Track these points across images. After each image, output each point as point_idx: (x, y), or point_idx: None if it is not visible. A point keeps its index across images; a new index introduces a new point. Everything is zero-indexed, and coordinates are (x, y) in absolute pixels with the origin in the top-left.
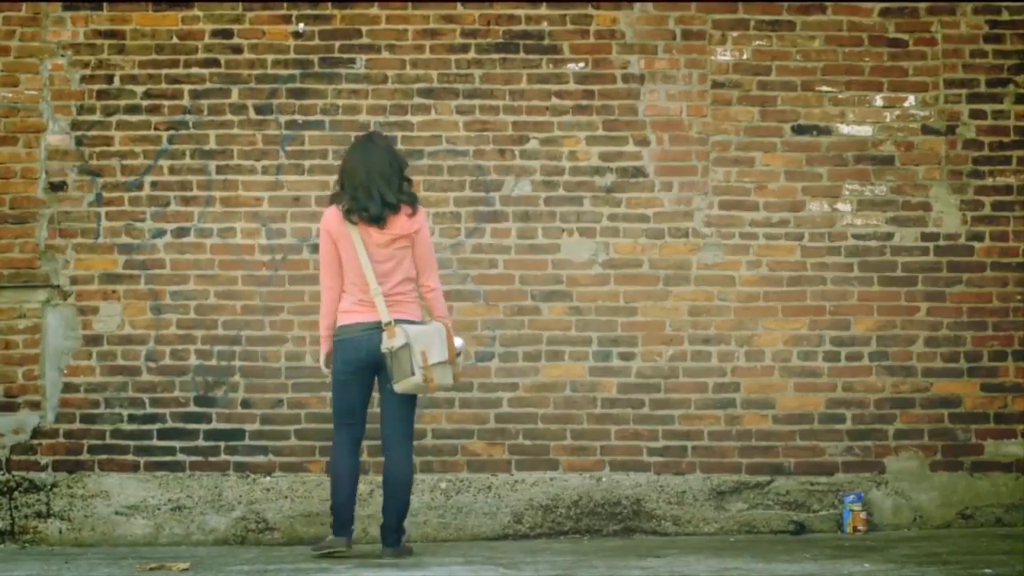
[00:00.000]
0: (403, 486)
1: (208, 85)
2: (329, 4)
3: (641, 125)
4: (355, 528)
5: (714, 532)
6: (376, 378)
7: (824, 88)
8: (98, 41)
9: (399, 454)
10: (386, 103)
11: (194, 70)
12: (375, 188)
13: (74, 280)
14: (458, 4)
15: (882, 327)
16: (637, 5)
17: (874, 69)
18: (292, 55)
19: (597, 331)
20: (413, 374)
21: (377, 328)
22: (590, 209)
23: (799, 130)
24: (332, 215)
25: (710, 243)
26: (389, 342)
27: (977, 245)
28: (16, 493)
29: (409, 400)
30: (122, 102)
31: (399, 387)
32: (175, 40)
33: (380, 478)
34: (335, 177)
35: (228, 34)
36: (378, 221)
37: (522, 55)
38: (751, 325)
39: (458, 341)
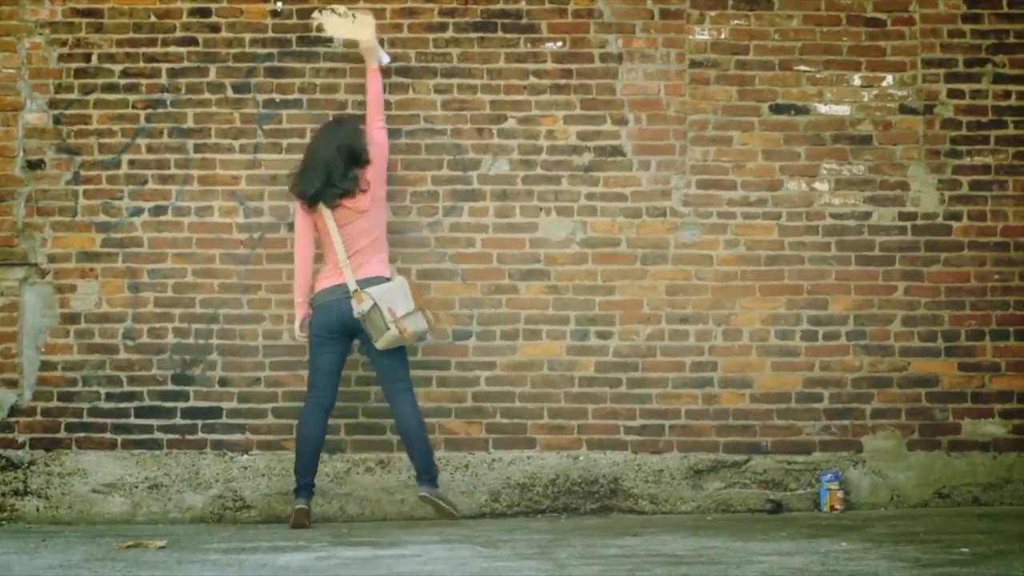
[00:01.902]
0: (416, 432)
1: (186, 64)
2: None
3: (619, 104)
4: (333, 507)
5: (691, 511)
6: (357, 343)
7: (802, 67)
8: (76, 19)
9: (402, 404)
10: (364, 82)
11: (172, 48)
12: (324, 174)
13: (52, 258)
14: None
15: (860, 306)
16: None
17: (852, 48)
18: (270, 34)
19: (575, 310)
20: (388, 328)
21: (346, 293)
22: (568, 188)
23: (777, 109)
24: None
25: (688, 222)
26: (359, 307)
27: (955, 224)
28: None
29: (396, 354)
30: (100, 80)
31: (380, 343)
32: (153, 19)
33: (358, 456)
34: None
35: (206, 12)
36: (313, 202)
37: (500, 34)
38: (728, 304)
39: (384, 57)
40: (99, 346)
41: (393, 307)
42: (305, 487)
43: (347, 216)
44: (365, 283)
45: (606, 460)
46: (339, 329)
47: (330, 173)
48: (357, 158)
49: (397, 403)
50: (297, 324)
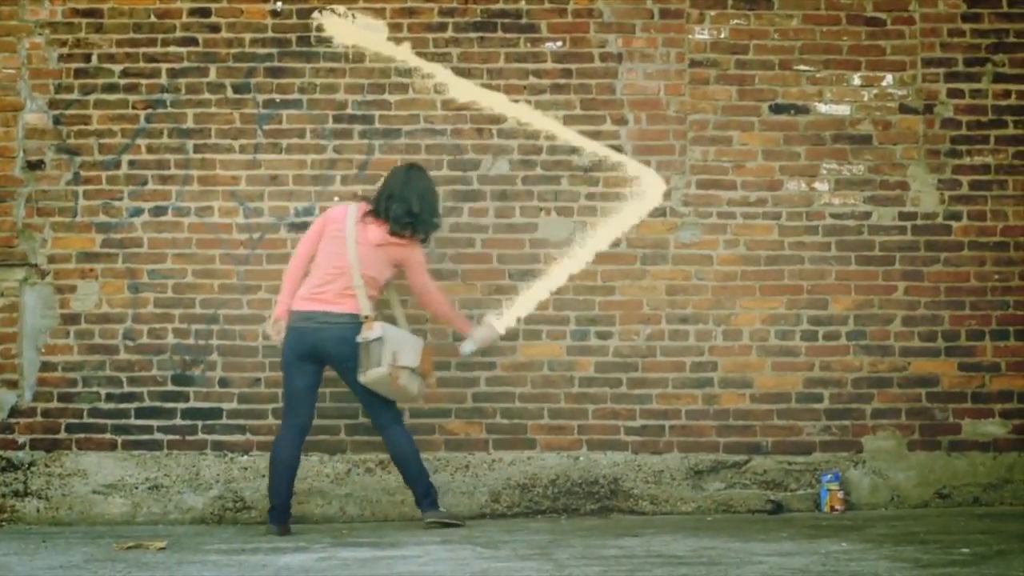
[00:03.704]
0: (408, 458)
1: (186, 64)
2: None
3: (619, 104)
4: (333, 507)
5: (691, 511)
6: (338, 372)
7: (802, 67)
8: (76, 20)
9: (394, 435)
10: (364, 82)
11: (172, 48)
12: (413, 201)
13: (52, 259)
14: None
15: (860, 306)
16: None
17: (852, 48)
18: (270, 34)
19: (575, 310)
20: (381, 365)
21: (329, 323)
22: (568, 188)
23: (777, 109)
24: (343, 207)
25: (688, 222)
26: (365, 333)
27: (955, 224)
28: None
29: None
30: (100, 81)
31: (364, 377)
32: (153, 19)
33: (358, 456)
34: (313, 156)
35: (206, 12)
36: (394, 225)
37: (500, 34)
38: (729, 304)
39: (468, 348)
40: (99, 347)
41: (399, 353)
42: (277, 509)
43: (372, 244)
44: (335, 316)
45: (606, 460)
46: (309, 356)
47: (411, 205)
48: (433, 209)
49: (388, 434)
50: (272, 320)
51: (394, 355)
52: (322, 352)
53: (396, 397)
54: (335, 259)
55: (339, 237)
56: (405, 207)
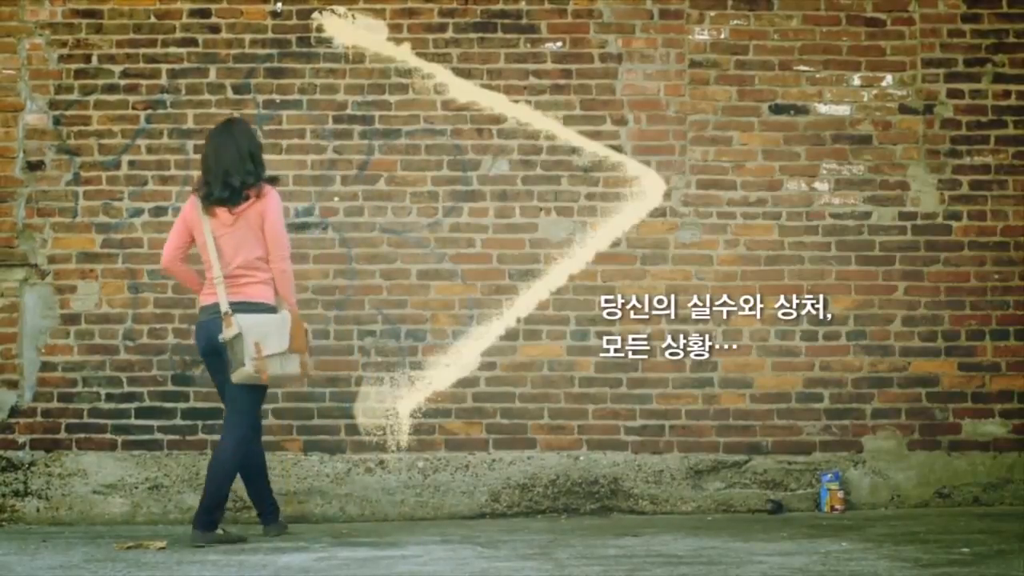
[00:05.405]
0: (216, 471)
1: (186, 64)
2: None
3: (619, 104)
4: (333, 507)
5: (691, 511)
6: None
7: (802, 67)
8: (76, 20)
9: (224, 438)
10: (364, 82)
11: (172, 49)
12: (221, 172)
13: (52, 259)
14: None
15: (860, 306)
16: None
17: (852, 48)
18: (270, 34)
19: (575, 310)
20: (244, 364)
21: (215, 314)
22: (567, 188)
23: (777, 109)
24: (191, 201)
25: (687, 222)
26: (225, 331)
27: (955, 224)
28: None
29: (244, 389)
30: (100, 81)
31: (234, 377)
32: (153, 19)
33: (358, 456)
34: (312, 157)
35: (206, 13)
36: (223, 203)
37: (500, 34)
38: (729, 304)
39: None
40: (99, 347)
41: (263, 342)
42: (265, 512)
43: (226, 224)
44: (240, 307)
45: (606, 460)
46: (213, 350)
47: (235, 170)
48: (252, 152)
49: (223, 433)
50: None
51: (257, 346)
52: (217, 345)
53: (278, 385)
54: (203, 256)
55: (200, 233)
56: (220, 189)
